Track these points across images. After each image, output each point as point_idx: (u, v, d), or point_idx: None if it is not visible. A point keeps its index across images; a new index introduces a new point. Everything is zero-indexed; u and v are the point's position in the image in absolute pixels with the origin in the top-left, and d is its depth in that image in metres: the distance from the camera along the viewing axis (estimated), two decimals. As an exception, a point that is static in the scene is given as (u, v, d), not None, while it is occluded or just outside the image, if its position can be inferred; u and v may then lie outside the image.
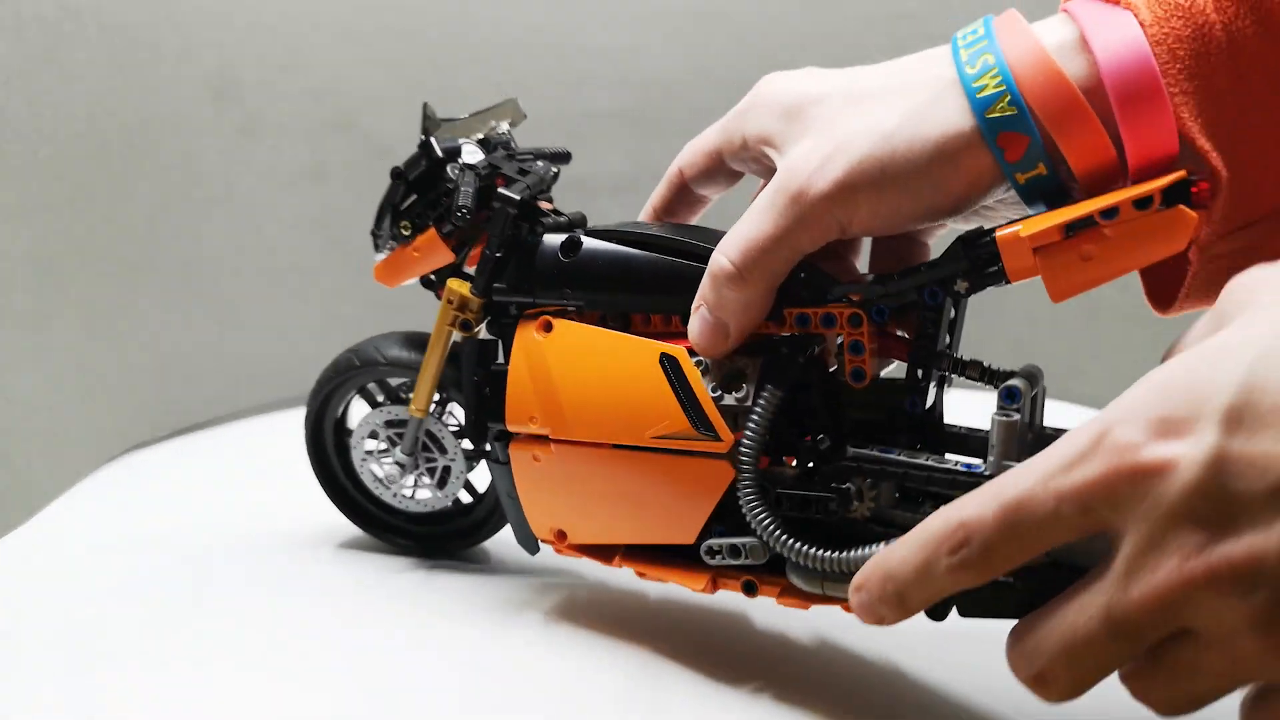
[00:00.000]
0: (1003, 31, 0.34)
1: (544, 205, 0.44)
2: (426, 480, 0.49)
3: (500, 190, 0.43)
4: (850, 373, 0.36)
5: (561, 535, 0.43)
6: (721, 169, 0.42)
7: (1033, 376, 0.35)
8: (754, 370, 0.37)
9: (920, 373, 0.35)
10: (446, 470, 0.49)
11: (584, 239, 0.41)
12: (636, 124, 0.77)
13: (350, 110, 0.77)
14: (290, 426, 0.74)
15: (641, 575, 0.41)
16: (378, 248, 0.47)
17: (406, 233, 0.45)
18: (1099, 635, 0.27)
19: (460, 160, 0.45)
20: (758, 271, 0.36)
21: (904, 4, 0.75)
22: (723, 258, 0.37)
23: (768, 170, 0.39)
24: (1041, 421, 0.35)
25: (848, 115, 0.36)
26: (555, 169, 0.46)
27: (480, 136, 0.47)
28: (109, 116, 0.74)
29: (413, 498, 0.50)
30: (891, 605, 0.30)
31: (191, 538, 0.56)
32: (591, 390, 0.40)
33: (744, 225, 0.37)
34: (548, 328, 0.41)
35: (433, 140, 0.45)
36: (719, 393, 0.37)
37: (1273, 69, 0.32)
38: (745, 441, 0.36)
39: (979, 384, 0.35)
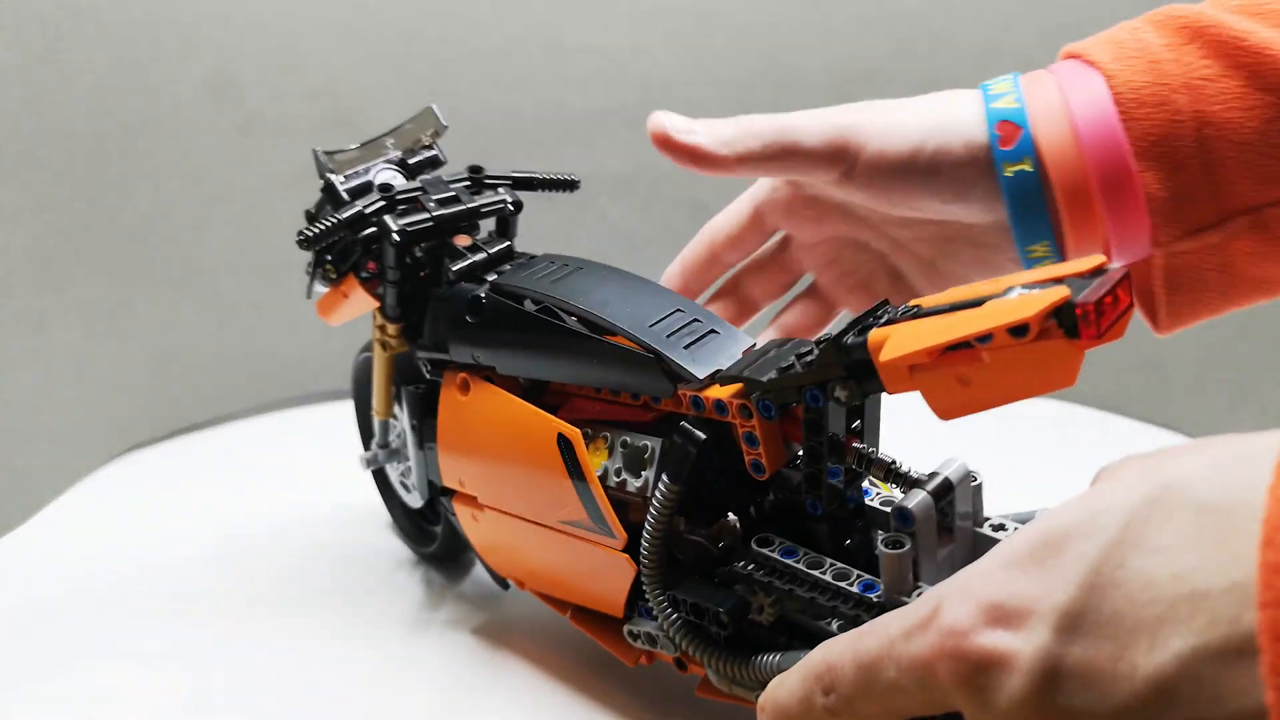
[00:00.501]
0: (1025, 78, 0.40)
1: (459, 241, 0.42)
2: (409, 481, 0.49)
3: (384, 220, 0.41)
4: (750, 465, 0.33)
5: (519, 582, 0.43)
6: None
7: (957, 479, 0.31)
8: (654, 453, 0.35)
9: (812, 477, 0.32)
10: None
11: (486, 298, 0.39)
12: (636, 124, 0.77)
13: (349, 109, 0.76)
14: (290, 426, 0.74)
15: (588, 634, 0.40)
16: (310, 285, 0.46)
17: (333, 276, 0.45)
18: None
19: (376, 187, 0.43)
20: (760, 129, 0.40)
21: (904, 3, 0.75)
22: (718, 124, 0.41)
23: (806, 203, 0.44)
24: (980, 517, 0.32)
25: (882, 101, 0.42)
26: (499, 202, 0.43)
27: (394, 157, 0.46)
28: (108, 116, 0.74)
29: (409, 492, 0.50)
30: None
31: (191, 537, 0.56)
32: (505, 462, 0.39)
33: None
34: (465, 388, 0.40)
35: (332, 179, 0.44)
36: (621, 477, 0.36)
37: (1229, 93, 0.37)
38: (643, 542, 0.34)
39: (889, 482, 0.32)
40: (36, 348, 0.79)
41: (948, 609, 0.24)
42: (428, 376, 0.43)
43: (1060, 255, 0.40)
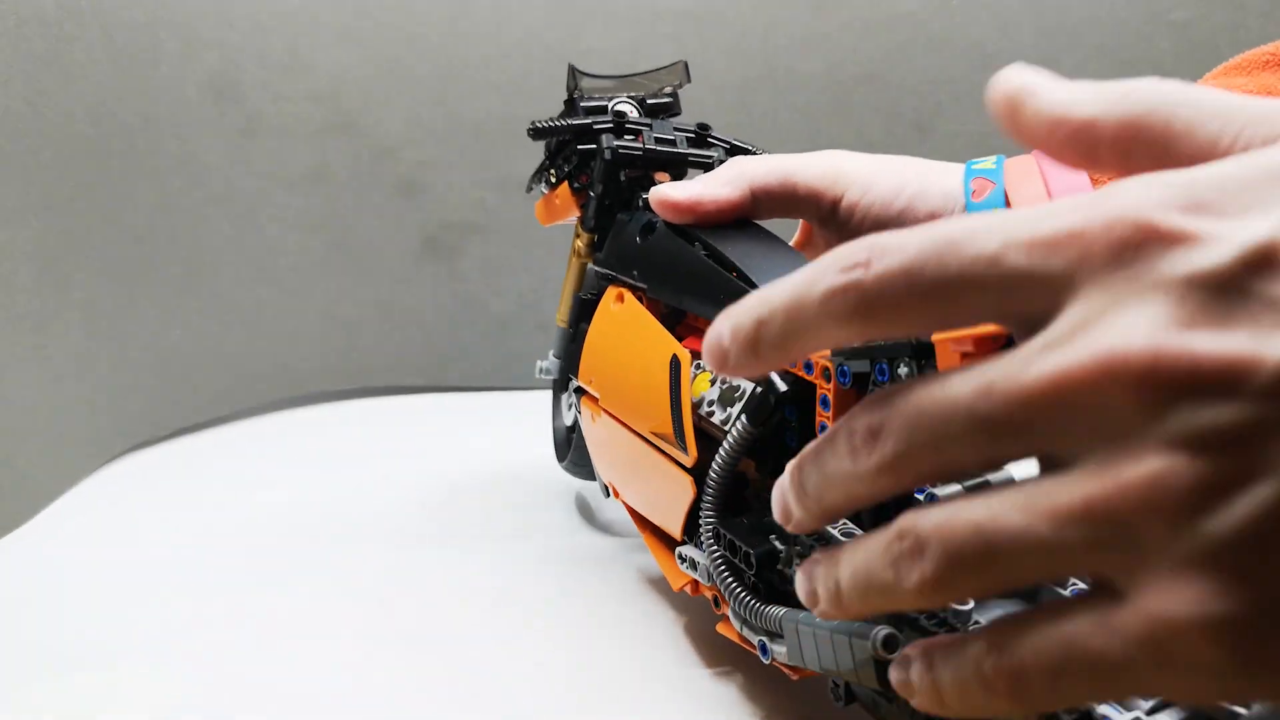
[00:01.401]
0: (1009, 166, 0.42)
1: (661, 178, 0.46)
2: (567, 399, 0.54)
3: (604, 138, 0.46)
4: (819, 428, 0.33)
5: (614, 489, 0.46)
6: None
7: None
8: (744, 394, 0.37)
9: None
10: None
11: (657, 225, 0.43)
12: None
13: (351, 111, 0.77)
14: (291, 426, 0.74)
15: (651, 550, 0.43)
16: (531, 187, 0.51)
17: (552, 180, 0.49)
18: (958, 411, 0.20)
19: (610, 112, 0.48)
20: (755, 169, 0.41)
21: (904, 4, 0.75)
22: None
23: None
24: None
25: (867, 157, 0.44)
26: (708, 158, 0.47)
27: (640, 97, 0.50)
28: (110, 117, 0.74)
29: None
30: (747, 352, 0.24)
31: (192, 538, 0.56)
32: (626, 370, 0.42)
33: None
34: (620, 299, 0.44)
35: (576, 97, 0.49)
36: (712, 408, 0.38)
37: None
38: (711, 470, 0.35)
39: None
40: (38, 348, 0.79)
41: (1125, 191, 0.19)
42: (594, 293, 0.47)
43: None
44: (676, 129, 0.47)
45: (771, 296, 0.23)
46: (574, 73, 0.49)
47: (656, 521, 0.41)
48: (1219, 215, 0.19)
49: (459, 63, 0.76)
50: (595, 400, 0.45)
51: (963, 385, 0.20)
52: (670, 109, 0.51)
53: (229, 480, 0.64)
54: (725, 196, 0.42)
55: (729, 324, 0.24)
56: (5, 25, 0.73)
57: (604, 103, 0.49)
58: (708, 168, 0.46)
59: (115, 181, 0.75)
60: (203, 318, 0.78)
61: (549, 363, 0.54)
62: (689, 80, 0.51)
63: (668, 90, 0.51)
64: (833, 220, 0.43)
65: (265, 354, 0.79)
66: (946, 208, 0.41)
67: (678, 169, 0.47)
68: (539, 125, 0.46)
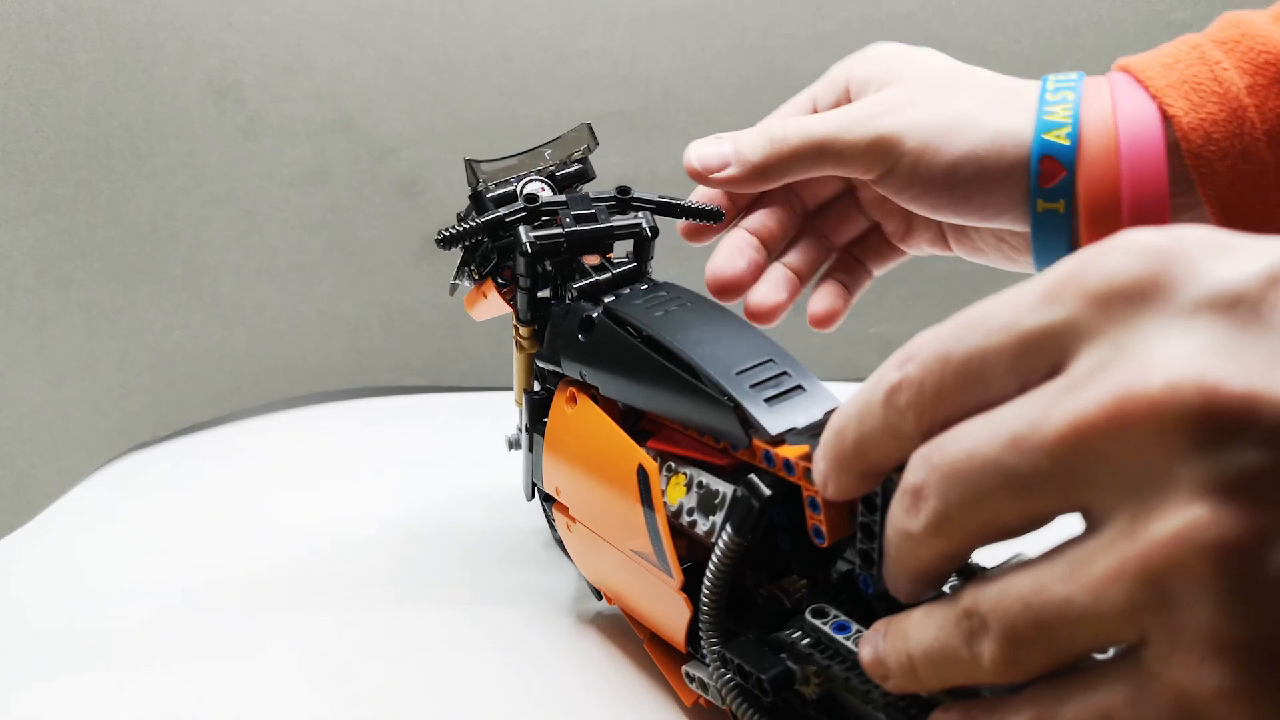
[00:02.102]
0: (1089, 88, 0.38)
1: (589, 260, 0.43)
2: None
3: (519, 230, 0.42)
4: (810, 530, 0.31)
5: (606, 595, 0.44)
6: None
7: None
8: (725, 499, 0.35)
9: (865, 553, 0.30)
10: None
11: (597, 319, 0.40)
12: (636, 125, 0.77)
13: (352, 111, 0.77)
14: (292, 426, 0.74)
15: (656, 663, 0.40)
16: (454, 287, 0.49)
17: (475, 277, 0.47)
18: (989, 467, 0.19)
19: (520, 196, 0.44)
20: (794, 146, 0.40)
21: (904, 4, 0.75)
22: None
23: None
24: None
25: (935, 85, 0.39)
26: (635, 226, 0.43)
27: (547, 170, 0.47)
28: (110, 117, 0.74)
29: None
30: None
31: (193, 537, 0.56)
32: (593, 481, 0.40)
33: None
34: (572, 401, 0.41)
35: (480, 188, 0.45)
36: (693, 516, 0.35)
37: None
38: (703, 589, 0.33)
39: None
40: (39, 347, 0.79)
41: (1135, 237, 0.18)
42: (543, 386, 0.45)
43: None
44: (595, 199, 0.44)
45: (844, 408, 0.25)
46: (471, 166, 0.46)
47: (659, 634, 0.39)
48: (1239, 257, 0.18)
49: (459, 63, 0.77)
50: (566, 509, 0.43)
51: (992, 438, 0.20)
52: (583, 176, 0.48)
53: (229, 481, 0.64)
54: (741, 175, 0.41)
55: (820, 448, 0.26)
56: (6, 26, 0.73)
57: (512, 186, 0.46)
58: (636, 236, 0.43)
59: (116, 182, 0.75)
60: (203, 318, 0.78)
61: (514, 435, 0.51)
62: (596, 143, 0.48)
63: (576, 156, 0.48)
64: (881, 184, 0.40)
65: (265, 354, 0.79)
66: (1013, 183, 0.37)
67: (604, 244, 0.43)
68: (447, 233, 0.42)
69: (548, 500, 0.45)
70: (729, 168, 0.41)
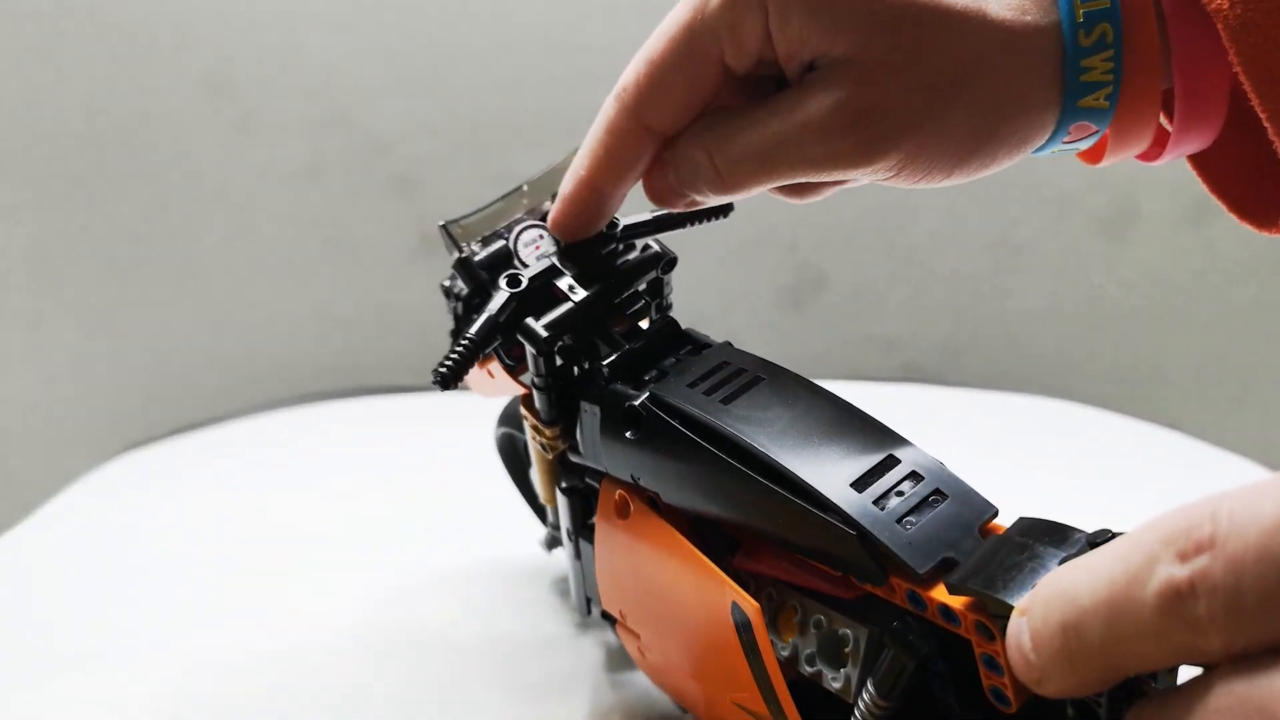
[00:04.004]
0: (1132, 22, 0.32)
1: (615, 327, 0.35)
2: None
3: (526, 324, 0.34)
4: (989, 690, 0.25)
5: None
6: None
7: None
8: (857, 647, 0.28)
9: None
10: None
11: (644, 411, 0.31)
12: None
13: (347, 107, 0.76)
14: (289, 426, 0.74)
15: None
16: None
17: (485, 351, 0.38)
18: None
19: (516, 258, 0.36)
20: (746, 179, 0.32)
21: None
22: None
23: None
24: None
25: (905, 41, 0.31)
26: (655, 249, 0.36)
27: (539, 211, 0.39)
28: (105, 113, 0.74)
29: None
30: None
31: (189, 538, 0.55)
32: (671, 614, 0.32)
33: None
34: (624, 510, 0.33)
35: (467, 257, 0.37)
36: (816, 666, 0.29)
37: None
38: None
39: None
40: (33, 346, 0.79)
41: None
42: (581, 479, 0.37)
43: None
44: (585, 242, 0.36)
45: (1077, 593, 0.18)
46: (447, 231, 0.38)
47: None
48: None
49: (456, 58, 0.76)
50: (637, 636, 0.35)
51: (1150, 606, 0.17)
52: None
53: (223, 480, 0.64)
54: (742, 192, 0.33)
55: (1029, 631, 0.20)
56: (1, 22, 0.72)
57: (504, 240, 0.37)
58: (660, 267, 0.36)
59: (110, 179, 0.75)
60: (197, 316, 0.78)
61: (550, 535, 0.44)
62: None
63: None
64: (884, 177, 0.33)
65: (260, 352, 0.79)
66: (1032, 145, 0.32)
67: (626, 297, 0.35)
68: (444, 369, 0.33)
69: (611, 620, 0.37)
70: (683, 200, 0.35)
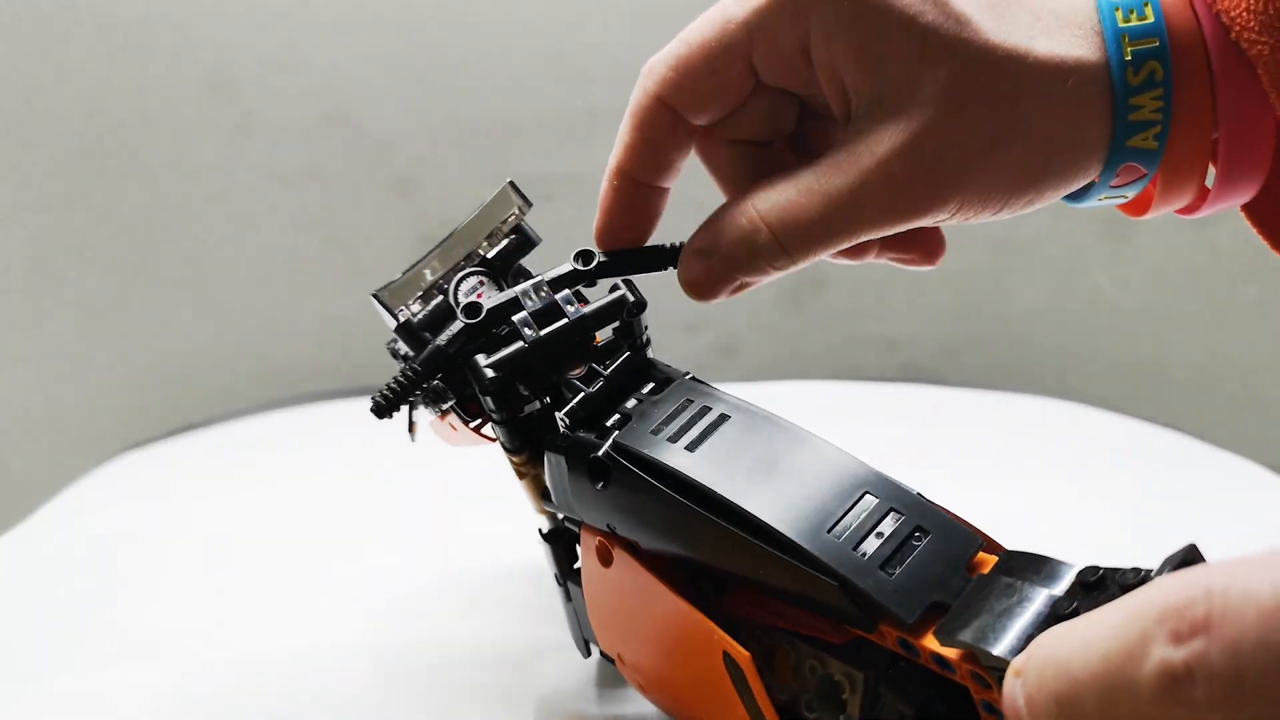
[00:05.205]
0: (1181, 68, 0.31)
1: (571, 371, 0.34)
2: None
3: (473, 362, 0.32)
4: None
5: None
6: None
7: None
8: (854, 692, 0.27)
9: None
10: None
11: (610, 462, 0.30)
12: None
13: (348, 107, 0.76)
14: (289, 426, 0.73)
15: None
16: (411, 429, 0.39)
17: (439, 408, 0.37)
18: None
19: (459, 311, 0.34)
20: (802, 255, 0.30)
21: (904, 2, 0.74)
22: None
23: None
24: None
25: (956, 96, 0.30)
26: (615, 305, 0.33)
27: (476, 258, 0.37)
28: (105, 114, 0.74)
29: None
30: None
31: (188, 538, 0.55)
32: (664, 658, 0.32)
33: None
34: (606, 557, 0.32)
35: (406, 321, 0.35)
36: (815, 713, 0.28)
37: None
38: None
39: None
40: (33, 346, 0.79)
41: None
42: (559, 522, 0.36)
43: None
44: (551, 281, 0.34)
45: (1071, 664, 0.18)
46: (378, 299, 0.36)
47: None
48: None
49: (456, 58, 0.76)
50: (636, 676, 0.35)
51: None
52: (524, 246, 0.37)
53: (223, 480, 0.64)
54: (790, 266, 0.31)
55: (1023, 697, 0.19)
56: (1, 23, 0.72)
57: (442, 297, 0.35)
58: (621, 319, 0.33)
59: (110, 179, 0.75)
60: (198, 316, 0.78)
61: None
62: (529, 204, 0.37)
63: (509, 226, 0.37)
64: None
65: (260, 353, 0.79)
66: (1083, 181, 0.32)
67: (581, 344, 0.33)
68: (381, 399, 0.33)
69: (610, 660, 0.37)
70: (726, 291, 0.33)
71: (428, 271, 0.37)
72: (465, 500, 0.57)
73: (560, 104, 0.76)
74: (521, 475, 0.36)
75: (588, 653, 0.39)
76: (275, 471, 0.64)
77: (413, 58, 0.76)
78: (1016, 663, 0.20)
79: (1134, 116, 0.30)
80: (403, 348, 0.36)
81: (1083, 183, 0.32)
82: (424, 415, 0.37)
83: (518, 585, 0.48)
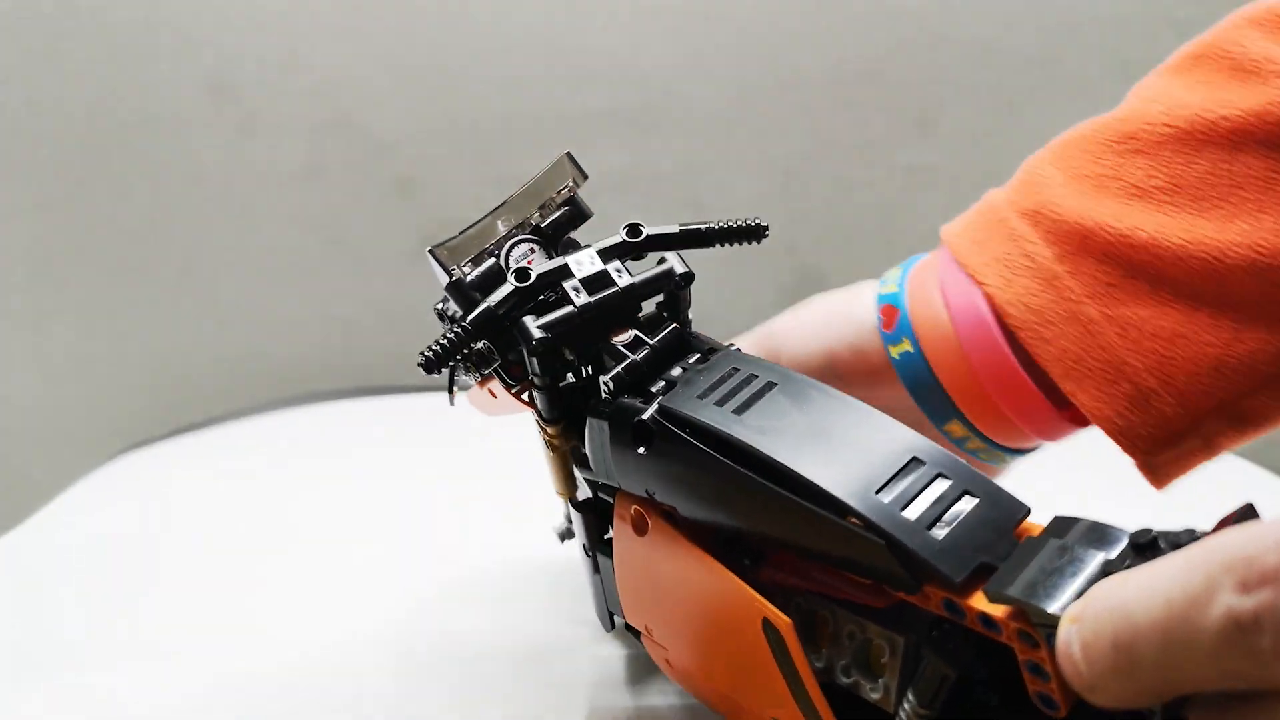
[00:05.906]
0: (917, 269, 0.41)
1: (617, 337, 0.33)
2: None
3: (522, 323, 0.33)
4: (1036, 697, 0.24)
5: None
6: None
7: None
8: (894, 656, 0.27)
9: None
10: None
11: (654, 425, 0.30)
12: (636, 123, 0.77)
13: (349, 108, 0.76)
14: (290, 426, 0.74)
15: None
16: (452, 395, 0.39)
17: (479, 374, 0.37)
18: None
19: (509, 276, 0.34)
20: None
21: (905, 3, 0.75)
22: None
23: None
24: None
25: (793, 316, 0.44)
26: (670, 269, 0.34)
27: (529, 225, 0.37)
28: (107, 114, 0.74)
29: None
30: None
31: (189, 538, 0.55)
32: (699, 632, 0.32)
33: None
34: (641, 526, 0.32)
35: (459, 279, 0.35)
36: (853, 677, 0.28)
37: (1137, 297, 0.34)
38: None
39: None
40: (35, 346, 0.79)
41: None
42: (594, 493, 0.36)
43: (980, 434, 0.39)
44: (601, 251, 0.34)
45: (1132, 610, 0.18)
46: (434, 255, 0.36)
47: None
48: None
49: (457, 59, 0.76)
50: (664, 650, 0.35)
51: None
52: (575, 219, 0.38)
53: (224, 480, 0.64)
54: None
55: (1079, 642, 0.20)
56: (2, 23, 0.72)
57: (494, 259, 0.36)
58: (666, 289, 0.34)
59: (111, 180, 0.75)
60: (199, 316, 0.78)
61: (562, 525, 0.43)
62: (584, 175, 0.38)
63: (562, 197, 0.38)
64: None
65: (262, 353, 0.79)
66: (870, 349, 0.40)
67: (629, 311, 0.34)
68: (430, 353, 0.33)
69: (635, 632, 0.37)
70: None
71: (482, 235, 0.37)
72: (469, 498, 0.57)
73: (560, 103, 0.76)
74: (554, 448, 0.36)
75: (611, 625, 0.39)
76: (276, 471, 0.64)
77: (413, 58, 0.76)
78: (1073, 609, 0.20)
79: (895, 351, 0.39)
80: (451, 308, 0.36)
81: None
82: (463, 383, 0.38)
83: (528, 583, 0.48)
